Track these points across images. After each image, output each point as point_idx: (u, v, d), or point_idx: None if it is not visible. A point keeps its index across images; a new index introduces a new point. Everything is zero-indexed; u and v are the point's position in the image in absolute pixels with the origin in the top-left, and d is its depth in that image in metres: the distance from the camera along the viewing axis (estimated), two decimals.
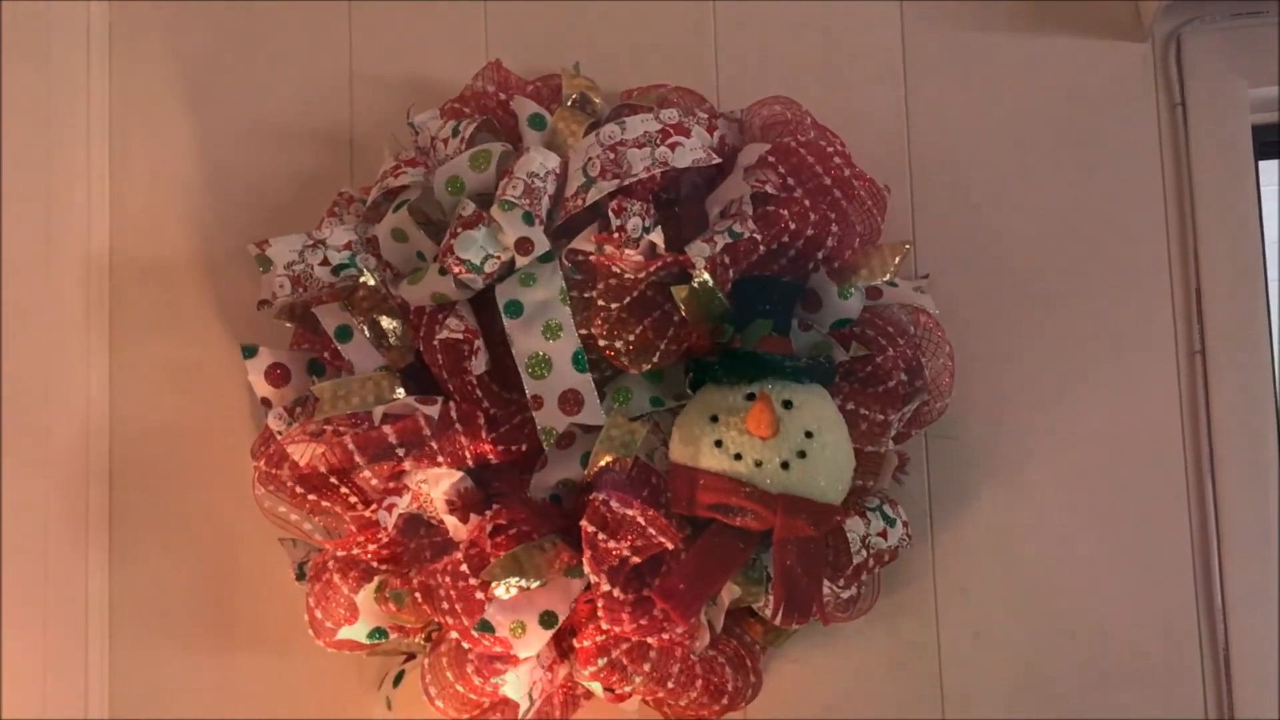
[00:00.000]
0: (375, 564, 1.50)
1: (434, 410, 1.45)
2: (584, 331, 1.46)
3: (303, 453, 1.46)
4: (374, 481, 1.46)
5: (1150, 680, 1.56)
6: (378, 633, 1.51)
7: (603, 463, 1.44)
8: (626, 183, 1.44)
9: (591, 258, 1.46)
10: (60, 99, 1.70)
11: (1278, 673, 1.53)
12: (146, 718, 1.67)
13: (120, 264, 1.72)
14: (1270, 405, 1.57)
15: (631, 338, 1.46)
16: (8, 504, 1.57)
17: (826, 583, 1.45)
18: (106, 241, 1.73)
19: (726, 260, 1.43)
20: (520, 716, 1.47)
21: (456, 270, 1.44)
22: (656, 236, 1.43)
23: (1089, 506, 1.58)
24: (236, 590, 1.66)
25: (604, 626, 1.42)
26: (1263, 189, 1.63)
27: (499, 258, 1.45)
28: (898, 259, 1.53)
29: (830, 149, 1.50)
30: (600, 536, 1.39)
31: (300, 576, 1.55)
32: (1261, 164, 1.64)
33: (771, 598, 1.42)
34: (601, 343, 1.45)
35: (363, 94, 1.73)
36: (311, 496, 1.47)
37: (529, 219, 1.45)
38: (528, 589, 1.40)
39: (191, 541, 1.67)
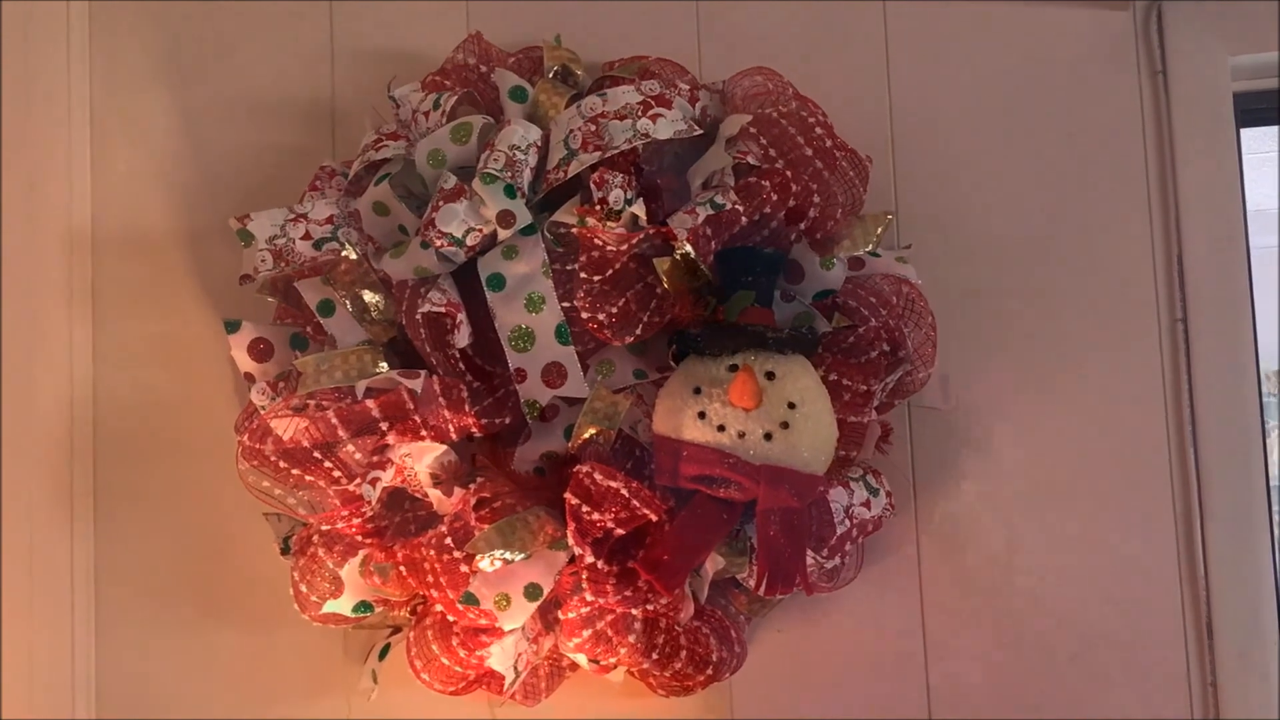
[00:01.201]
0: (360, 538, 1.50)
1: (417, 384, 1.45)
2: (567, 304, 1.46)
3: (286, 427, 1.46)
4: (357, 456, 1.46)
5: (1134, 648, 1.57)
6: (363, 606, 1.51)
7: (586, 435, 1.45)
8: (608, 155, 1.44)
9: (574, 230, 1.46)
10: (41, 75, 1.69)
11: (1259, 636, 1.54)
12: (133, 692, 1.67)
13: (103, 240, 1.72)
14: (1252, 373, 1.57)
15: (614, 310, 1.46)
16: None
17: (810, 553, 1.46)
18: (89, 217, 1.72)
19: (709, 232, 1.43)
20: (505, 689, 1.48)
21: (438, 243, 1.44)
22: (638, 208, 1.43)
23: (1072, 474, 1.59)
24: (222, 565, 1.66)
25: (588, 598, 1.42)
26: (1245, 156, 1.63)
27: (481, 231, 1.45)
28: (880, 229, 1.53)
29: (812, 119, 1.50)
30: (584, 509, 1.39)
31: (285, 551, 1.55)
32: (1244, 131, 1.64)
33: (755, 568, 1.43)
34: (584, 315, 1.45)
35: (344, 67, 1.72)
36: (295, 471, 1.47)
37: (511, 192, 1.44)
38: (512, 562, 1.41)
39: (177, 516, 1.67)
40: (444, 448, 1.47)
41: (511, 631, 1.46)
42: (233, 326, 1.55)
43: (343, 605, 1.51)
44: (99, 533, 1.68)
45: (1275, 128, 1.71)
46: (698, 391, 1.41)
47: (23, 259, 1.63)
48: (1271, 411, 4.67)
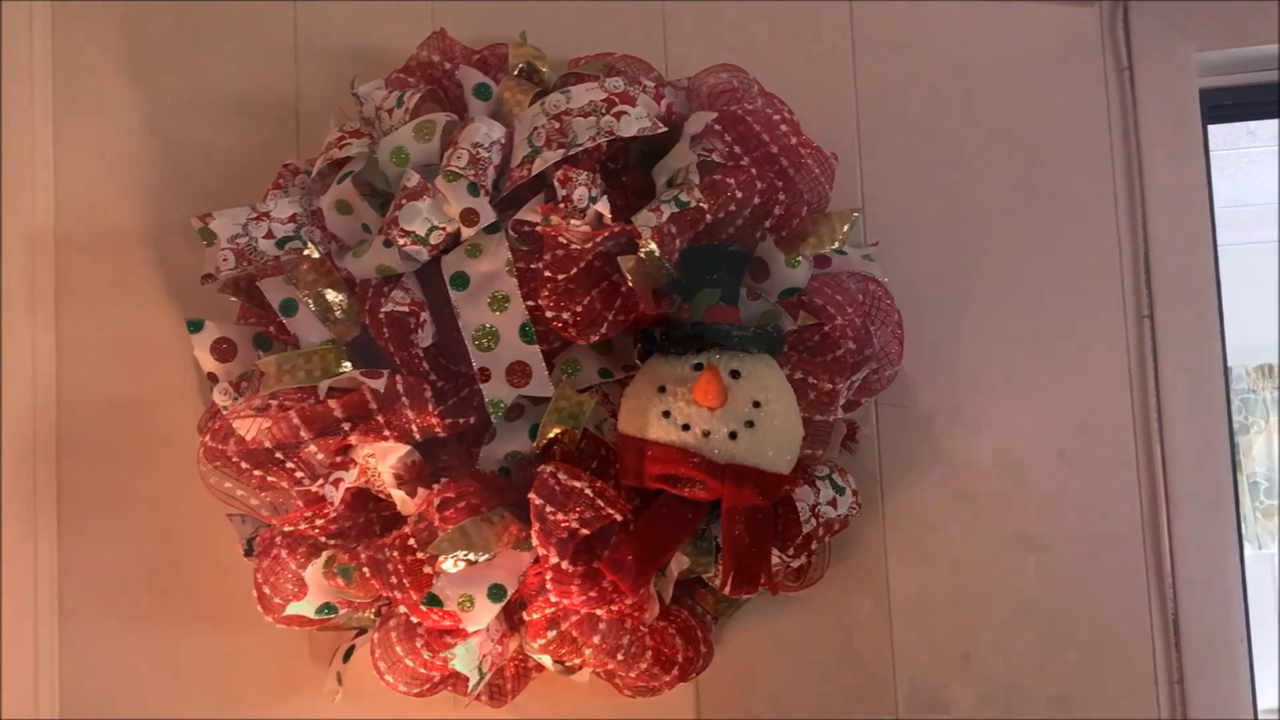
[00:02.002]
0: (323, 539, 1.49)
1: (380, 384, 1.43)
2: (531, 303, 1.45)
3: (248, 428, 1.45)
4: (320, 456, 1.45)
5: (1101, 647, 1.57)
6: (326, 608, 1.50)
7: (551, 435, 1.44)
8: (572, 152, 1.43)
9: (538, 228, 1.45)
10: (3, 74, 1.67)
11: (1226, 641, 1.54)
12: (98, 694, 1.66)
13: (66, 239, 1.70)
14: (1219, 370, 1.57)
15: (579, 308, 1.45)
16: None
17: (776, 552, 1.45)
18: (52, 217, 1.70)
19: (673, 229, 1.42)
20: (470, 690, 1.47)
21: (401, 242, 1.43)
22: (603, 206, 1.42)
23: (1038, 472, 1.59)
24: (187, 566, 1.65)
25: (553, 599, 1.41)
26: (1212, 153, 1.63)
27: (444, 229, 1.44)
28: (846, 227, 1.53)
29: (777, 117, 1.49)
30: (548, 509, 1.38)
31: (249, 552, 1.54)
32: (1211, 128, 1.64)
33: (720, 568, 1.42)
34: (549, 314, 1.44)
35: (309, 65, 1.71)
36: (257, 472, 1.45)
37: (474, 190, 1.44)
38: (476, 563, 1.40)
39: (141, 516, 1.66)
40: (408, 448, 1.46)
41: (476, 633, 1.44)
42: (195, 326, 1.54)
43: (306, 607, 1.49)
44: (62, 533, 1.67)
45: (1241, 124, 1.71)
46: (662, 390, 1.40)
47: None
48: (1255, 408, 4.68)
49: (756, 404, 1.39)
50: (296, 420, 1.44)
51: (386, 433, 1.44)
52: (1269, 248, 4.32)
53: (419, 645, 1.45)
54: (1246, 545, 4.29)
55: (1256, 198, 3.93)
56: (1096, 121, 1.62)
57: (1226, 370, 1.58)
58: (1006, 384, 1.60)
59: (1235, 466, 1.58)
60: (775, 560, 1.46)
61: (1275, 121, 1.67)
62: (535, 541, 1.39)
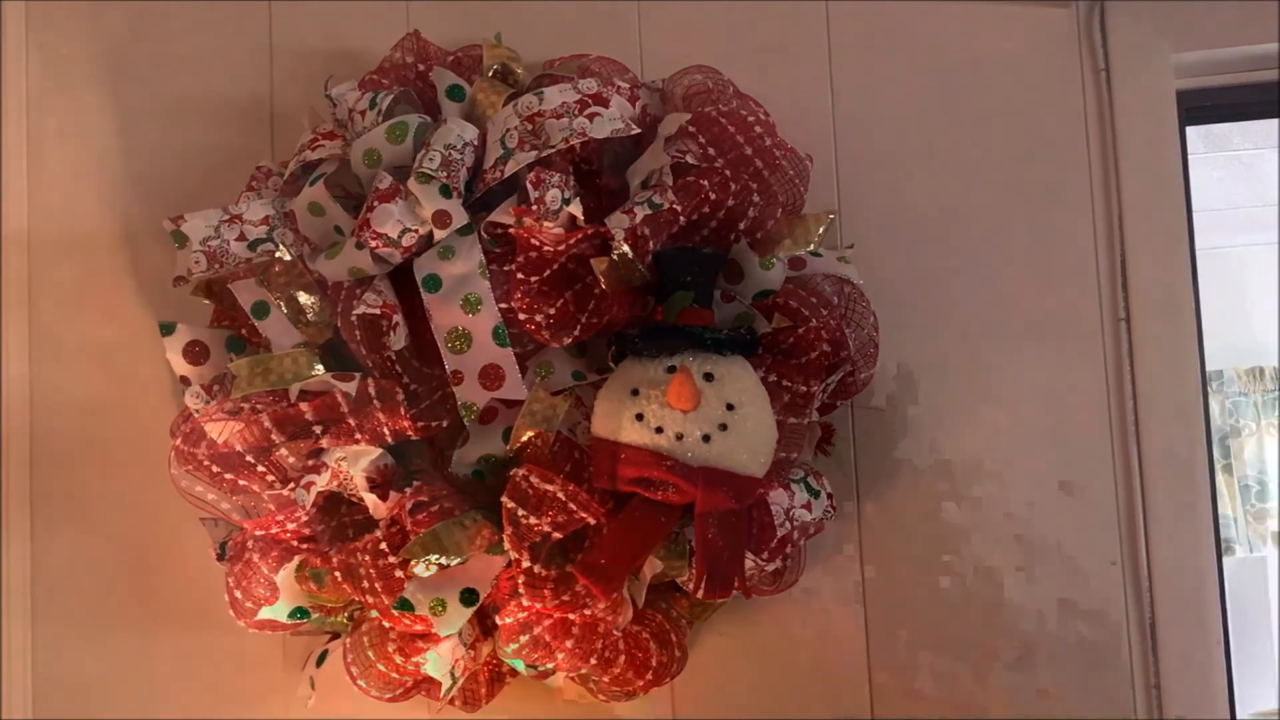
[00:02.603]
0: (295, 543, 1.48)
1: (351, 387, 1.43)
2: (504, 305, 1.44)
3: (220, 431, 1.44)
4: (292, 460, 1.44)
5: (1078, 653, 1.56)
6: (299, 612, 1.50)
7: (524, 438, 1.43)
8: (544, 154, 1.42)
9: (511, 230, 1.44)
10: None
11: (1202, 643, 1.53)
12: (70, 697, 1.65)
13: (39, 242, 1.70)
14: (1196, 373, 1.56)
15: (552, 311, 1.44)
16: None
17: (751, 556, 1.44)
18: (25, 219, 1.70)
19: (647, 231, 1.41)
20: (443, 695, 1.46)
21: (373, 244, 1.43)
22: (576, 208, 1.42)
23: (1016, 476, 1.58)
24: (159, 570, 1.65)
25: (526, 603, 1.41)
26: (1190, 156, 1.62)
27: (416, 231, 1.43)
28: (821, 229, 1.52)
29: (751, 118, 1.48)
30: (521, 513, 1.38)
31: (222, 556, 1.53)
32: (1189, 130, 1.64)
33: (694, 572, 1.41)
34: (522, 316, 1.43)
35: (283, 67, 1.70)
36: (229, 475, 1.45)
37: (446, 191, 1.43)
38: (448, 566, 1.39)
39: (113, 520, 1.66)
40: (380, 451, 1.45)
41: (448, 637, 1.44)
42: (168, 329, 1.53)
43: (278, 611, 1.49)
44: (34, 534, 1.67)
45: (1220, 126, 1.70)
46: (635, 393, 1.39)
47: None
48: (1245, 410, 4.67)
49: (730, 407, 1.38)
50: (268, 423, 1.43)
51: (359, 436, 1.43)
52: (1265, 250, 4.30)
53: (391, 650, 1.45)
54: (1237, 549, 4.33)
55: (1248, 201, 3.92)
56: (1073, 122, 1.61)
57: (1204, 373, 1.58)
58: (983, 386, 1.59)
59: (1213, 469, 1.58)
60: (750, 564, 1.45)
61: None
62: (508, 545, 1.39)
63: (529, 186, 1.41)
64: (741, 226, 1.47)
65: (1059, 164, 1.61)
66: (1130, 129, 1.58)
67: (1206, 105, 1.65)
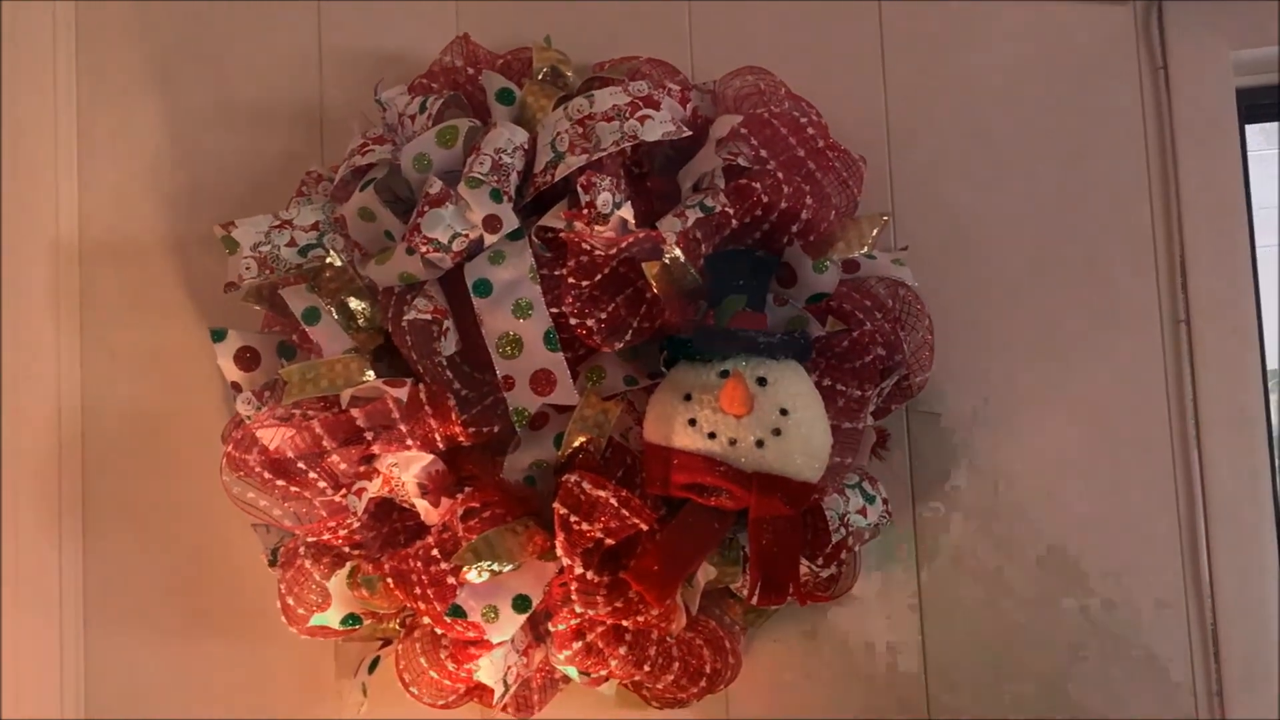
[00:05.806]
0: (347, 549, 1.48)
1: (402, 393, 1.42)
2: (555, 310, 1.43)
3: (271, 437, 1.44)
4: (343, 466, 1.44)
5: (1138, 658, 1.54)
6: (351, 619, 1.49)
7: (576, 443, 1.42)
8: (595, 157, 1.41)
9: (561, 234, 1.43)
10: (26, 82, 1.68)
11: (1264, 641, 1.51)
12: (122, 704, 1.66)
13: (90, 248, 1.70)
14: (1256, 374, 1.54)
15: (604, 315, 1.43)
16: None
17: (806, 561, 1.43)
18: (76, 226, 1.71)
19: (699, 235, 1.40)
20: (495, 702, 1.46)
21: (424, 249, 1.42)
22: (627, 212, 1.40)
23: (1073, 480, 1.56)
24: (211, 576, 1.65)
25: (578, 610, 1.40)
26: (1250, 154, 1.60)
27: (467, 236, 1.43)
28: (875, 231, 1.50)
29: (804, 120, 1.47)
30: (573, 519, 1.37)
31: (274, 562, 1.53)
32: (1247, 127, 1.61)
33: (748, 578, 1.40)
34: (573, 321, 1.42)
35: (332, 71, 1.70)
36: (280, 482, 1.45)
37: (497, 196, 1.42)
38: (500, 573, 1.38)
39: (166, 527, 1.66)
40: (431, 457, 1.44)
41: (500, 644, 1.43)
42: (219, 335, 1.53)
43: (330, 618, 1.49)
44: (88, 543, 1.68)
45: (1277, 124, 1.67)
46: (688, 398, 1.38)
47: (10, 268, 1.62)
48: None
49: (784, 411, 1.36)
50: (319, 430, 1.43)
51: (410, 442, 1.43)
52: None
53: (443, 657, 1.44)
54: None
55: None
56: (1131, 122, 1.58)
57: (1265, 375, 1.55)
58: (1040, 391, 1.57)
59: (1275, 475, 1.55)
60: (804, 570, 1.44)
61: None
62: (560, 551, 1.38)
63: (580, 190, 1.40)
64: (794, 229, 1.45)
65: (1117, 164, 1.58)
66: (1189, 128, 1.56)
67: (1267, 103, 1.62)
